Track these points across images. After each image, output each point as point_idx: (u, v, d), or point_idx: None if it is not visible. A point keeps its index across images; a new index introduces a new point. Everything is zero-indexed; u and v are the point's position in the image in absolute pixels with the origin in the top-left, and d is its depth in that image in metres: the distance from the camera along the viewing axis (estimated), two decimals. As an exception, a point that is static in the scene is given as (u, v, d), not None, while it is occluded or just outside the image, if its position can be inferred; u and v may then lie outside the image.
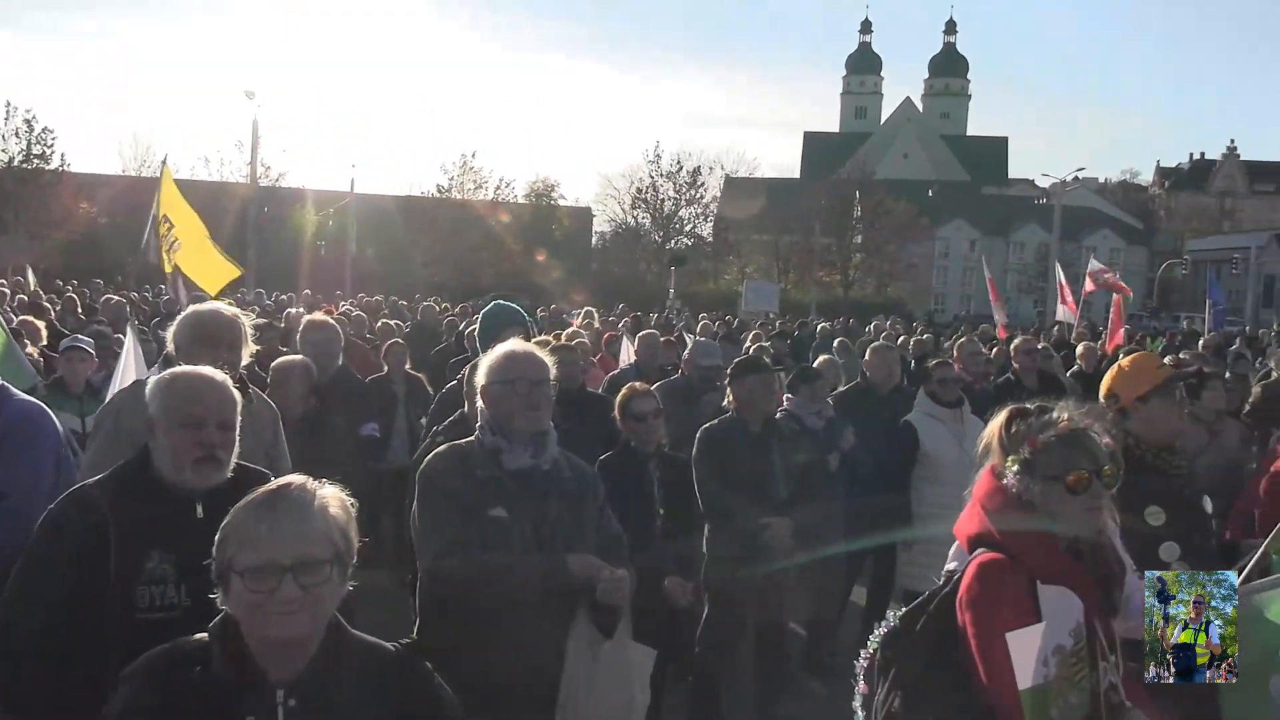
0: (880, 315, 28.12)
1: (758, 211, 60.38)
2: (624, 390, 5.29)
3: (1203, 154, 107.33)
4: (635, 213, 63.88)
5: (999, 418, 2.64)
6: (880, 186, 65.01)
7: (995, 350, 12.12)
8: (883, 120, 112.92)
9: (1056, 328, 21.11)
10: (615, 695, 3.28)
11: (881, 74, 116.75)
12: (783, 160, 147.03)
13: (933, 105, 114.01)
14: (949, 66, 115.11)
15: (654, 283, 51.42)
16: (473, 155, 59.79)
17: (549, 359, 3.44)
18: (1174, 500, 3.96)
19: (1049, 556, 2.47)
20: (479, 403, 3.42)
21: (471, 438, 3.40)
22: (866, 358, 7.65)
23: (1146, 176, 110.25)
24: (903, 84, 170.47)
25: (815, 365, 8.21)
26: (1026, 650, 2.21)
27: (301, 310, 14.82)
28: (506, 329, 4.95)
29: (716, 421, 5.64)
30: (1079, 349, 12.08)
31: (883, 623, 2.63)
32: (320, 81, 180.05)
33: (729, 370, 5.79)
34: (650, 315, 24.00)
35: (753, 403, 5.57)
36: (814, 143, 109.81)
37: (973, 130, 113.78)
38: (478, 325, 5.69)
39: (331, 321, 6.80)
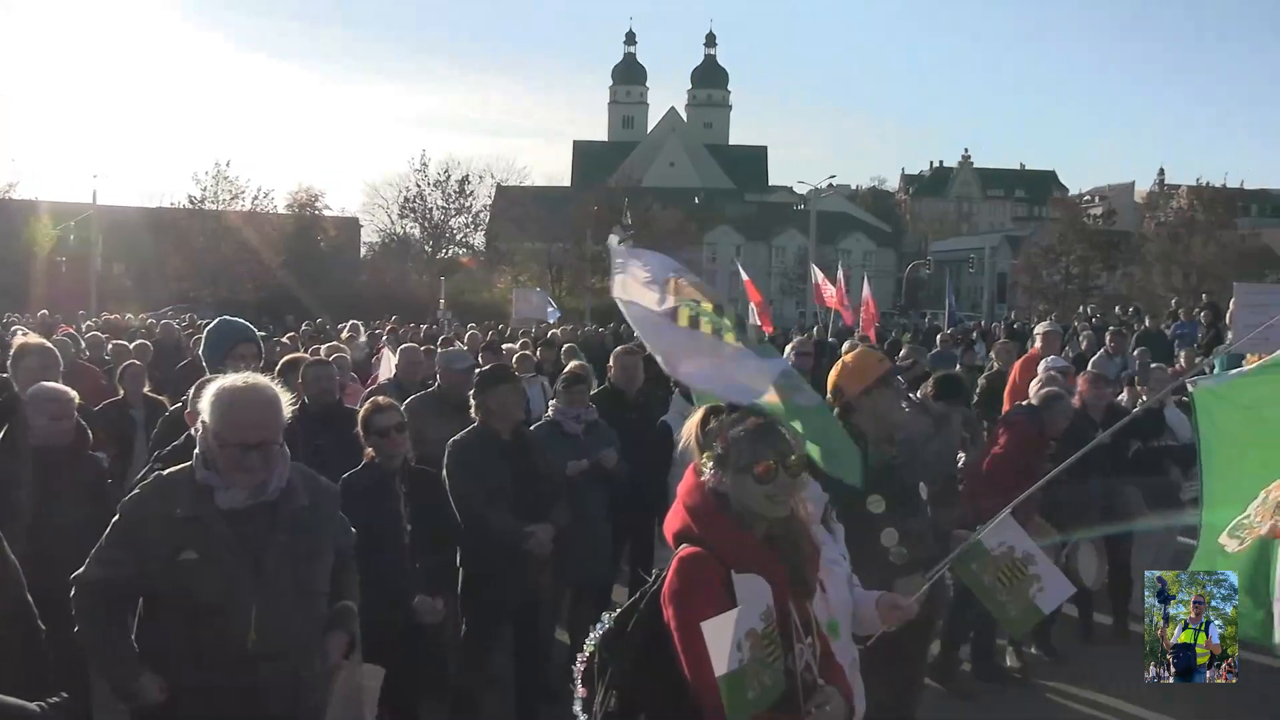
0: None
1: (528, 220, 60.32)
2: (366, 405, 5.15)
3: (941, 162, 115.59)
4: (404, 223, 62.64)
5: (695, 416, 2.74)
6: (648, 194, 66.44)
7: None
8: (649, 130, 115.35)
9: (815, 329, 22.16)
10: (346, 717, 3.28)
11: (647, 84, 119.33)
12: (553, 169, 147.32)
13: (696, 115, 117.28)
14: (710, 78, 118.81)
15: (424, 293, 50.50)
16: (227, 164, 56.50)
17: (282, 398, 3.16)
18: (893, 488, 4.24)
19: (741, 546, 2.56)
20: (196, 432, 3.20)
21: (187, 464, 3.17)
22: (610, 362, 7.60)
23: (893, 183, 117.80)
24: (667, 94, 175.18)
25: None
26: (721, 638, 2.28)
27: (24, 333, 13.63)
28: (235, 347, 4.70)
29: (466, 432, 5.58)
30: (845, 347, 12.69)
31: (598, 624, 2.66)
32: (56, 86, 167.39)
33: (475, 381, 5.74)
34: (420, 326, 23.56)
35: (502, 412, 5.55)
36: (583, 151, 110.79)
37: (735, 140, 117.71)
38: (203, 343, 5.38)
39: (47, 344, 6.24)
